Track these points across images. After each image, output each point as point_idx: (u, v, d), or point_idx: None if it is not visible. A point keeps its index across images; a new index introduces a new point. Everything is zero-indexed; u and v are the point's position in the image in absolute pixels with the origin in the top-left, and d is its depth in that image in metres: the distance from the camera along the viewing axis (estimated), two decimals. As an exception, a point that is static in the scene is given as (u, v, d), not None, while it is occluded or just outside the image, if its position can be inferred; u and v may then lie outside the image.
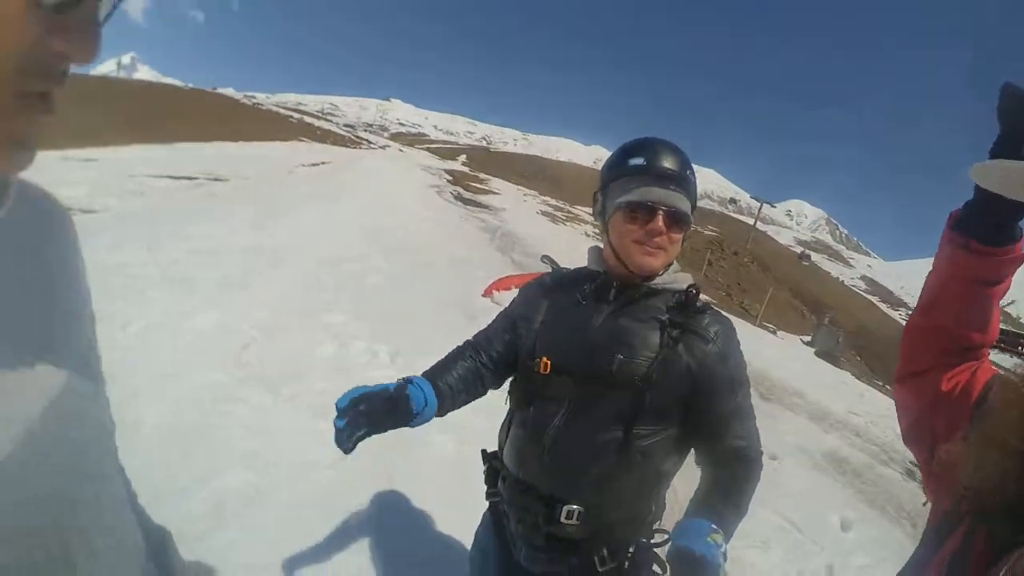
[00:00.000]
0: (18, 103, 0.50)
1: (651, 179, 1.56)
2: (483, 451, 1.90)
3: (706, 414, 1.55)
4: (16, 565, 0.55)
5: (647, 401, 1.50)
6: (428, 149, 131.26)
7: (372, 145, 75.09)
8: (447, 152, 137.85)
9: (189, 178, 15.51)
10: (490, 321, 1.89)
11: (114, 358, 4.32)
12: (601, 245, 1.73)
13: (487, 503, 1.90)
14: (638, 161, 1.57)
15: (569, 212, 42.59)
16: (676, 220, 1.56)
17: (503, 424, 1.81)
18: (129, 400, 3.87)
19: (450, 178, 40.46)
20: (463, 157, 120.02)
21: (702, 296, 1.64)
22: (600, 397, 1.55)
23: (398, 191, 23.44)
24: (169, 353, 4.74)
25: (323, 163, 29.83)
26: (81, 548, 0.64)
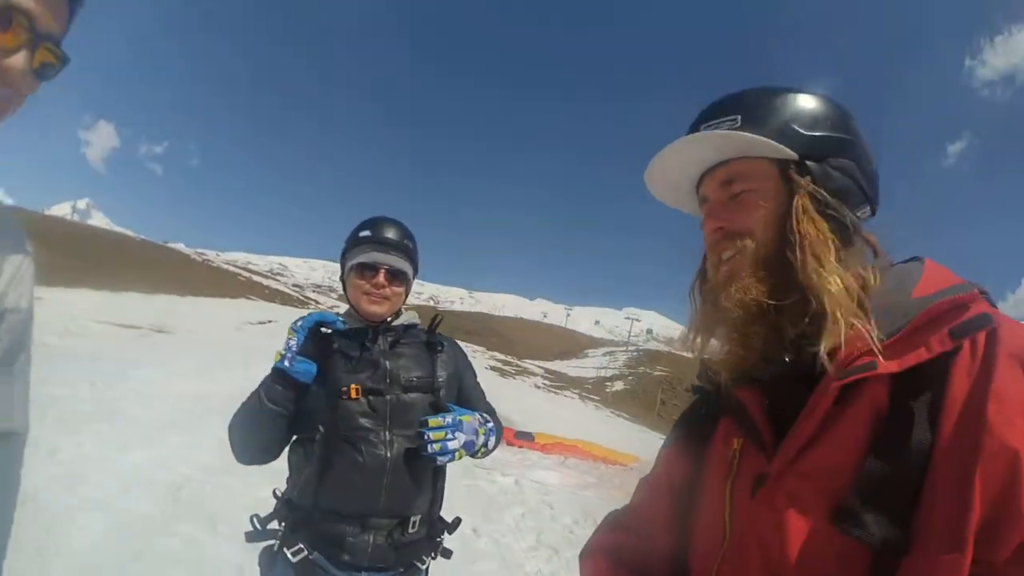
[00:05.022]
0: None
1: (375, 246, 1.96)
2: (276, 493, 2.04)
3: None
4: None
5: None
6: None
7: (320, 305, 75.30)
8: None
9: (134, 327, 15.31)
10: None
11: (38, 484, 4.33)
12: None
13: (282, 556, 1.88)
14: (366, 233, 1.99)
15: (518, 365, 42.73)
16: (395, 276, 1.98)
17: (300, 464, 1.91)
18: (56, 523, 3.80)
19: (398, 335, 40.54)
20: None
21: None
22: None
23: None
24: (100, 483, 4.63)
25: (271, 321, 29.72)
26: None
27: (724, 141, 0.97)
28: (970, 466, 0.72)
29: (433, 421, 1.75)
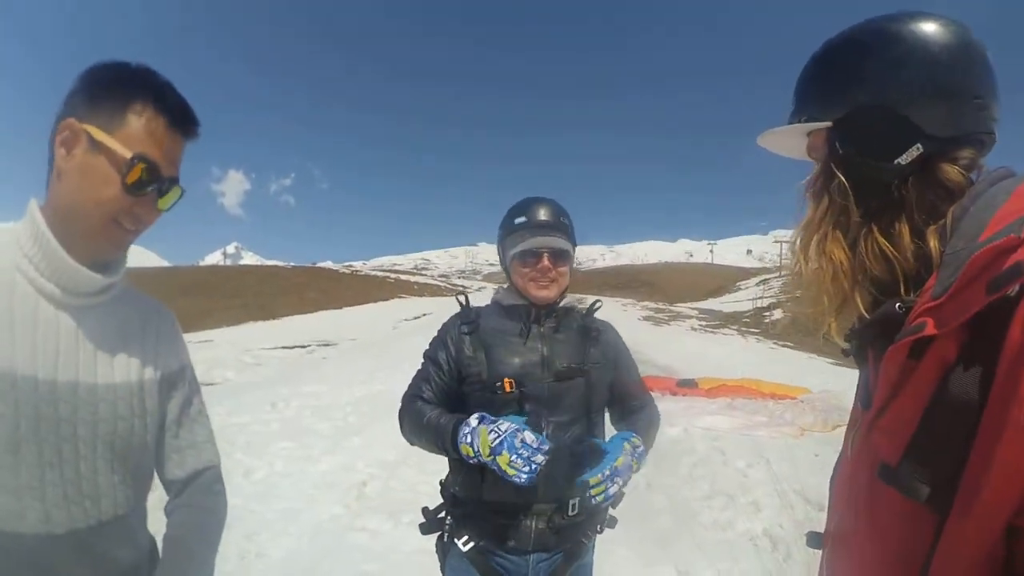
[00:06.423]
0: (115, 225, 1.09)
1: (534, 230, 1.95)
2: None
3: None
4: None
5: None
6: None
7: (468, 289, 77.06)
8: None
9: (301, 346, 16.44)
10: None
11: (235, 503, 4.68)
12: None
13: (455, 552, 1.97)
14: (521, 219, 1.98)
15: (671, 311, 41.94)
16: (558, 256, 1.97)
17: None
18: (253, 536, 4.15)
19: (546, 305, 40.90)
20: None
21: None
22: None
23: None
24: (292, 495, 5.03)
25: (424, 315, 30.91)
26: None
27: (775, 137, 1.05)
28: (996, 437, 0.65)
29: (593, 479, 1.72)
